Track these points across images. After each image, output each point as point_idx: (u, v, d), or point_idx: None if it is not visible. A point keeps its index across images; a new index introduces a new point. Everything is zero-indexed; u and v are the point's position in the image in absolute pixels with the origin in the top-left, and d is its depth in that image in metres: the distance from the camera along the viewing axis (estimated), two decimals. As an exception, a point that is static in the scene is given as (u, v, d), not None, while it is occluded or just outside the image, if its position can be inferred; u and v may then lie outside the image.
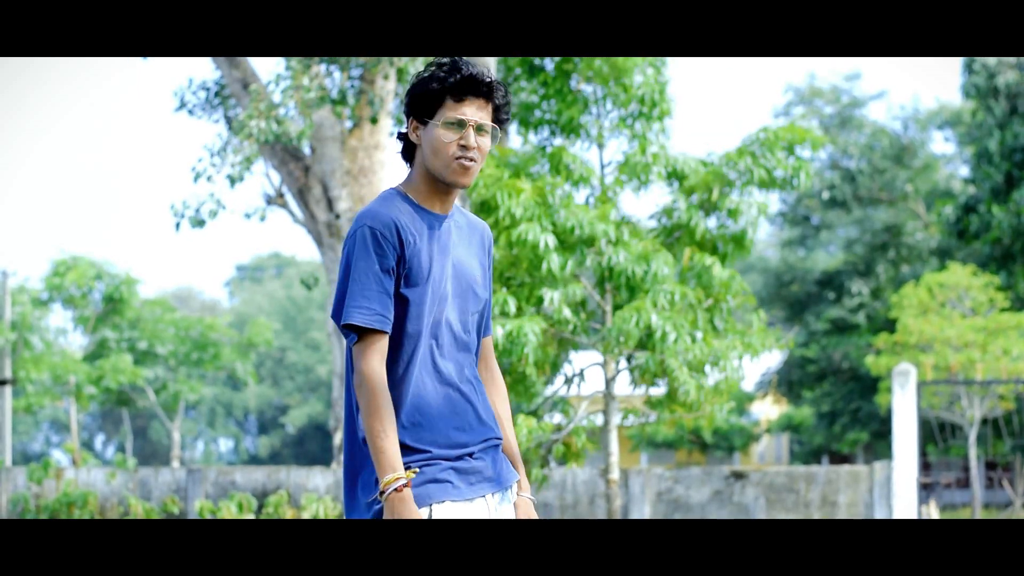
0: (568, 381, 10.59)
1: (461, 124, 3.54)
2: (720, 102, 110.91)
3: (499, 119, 3.62)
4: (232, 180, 14.49)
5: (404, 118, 3.67)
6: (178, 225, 14.65)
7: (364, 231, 3.51)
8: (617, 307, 10.51)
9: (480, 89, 3.56)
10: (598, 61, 10.78)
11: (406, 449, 3.50)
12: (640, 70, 10.86)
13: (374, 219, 3.52)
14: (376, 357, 3.49)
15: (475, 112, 3.56)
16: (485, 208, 9.92)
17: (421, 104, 3.57)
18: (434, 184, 3.60)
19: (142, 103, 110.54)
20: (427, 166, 3.58)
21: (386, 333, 3.52)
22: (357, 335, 3.51)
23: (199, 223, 14.68)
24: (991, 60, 29.79)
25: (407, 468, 3.48)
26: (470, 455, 3.56)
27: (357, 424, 3.57)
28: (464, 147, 3.54)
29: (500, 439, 3.67)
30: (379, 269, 3.51)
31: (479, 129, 3.56)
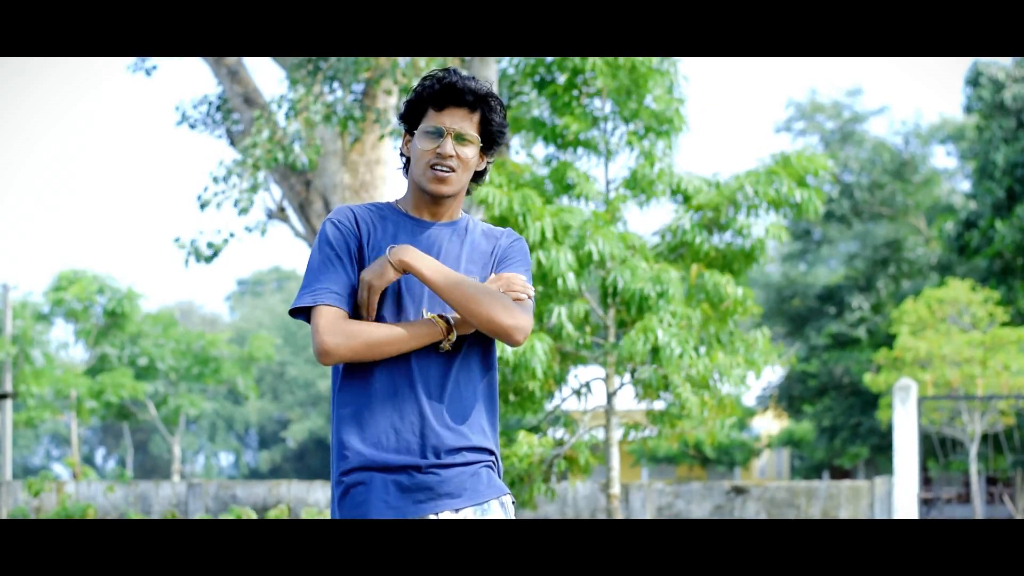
0: (576, 393, 10.63)
1: (439, 133, 3.47)
2: (721, 117, 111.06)
3: (489, 132, 3.53)
4: (241, 210, 14.39)
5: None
6: (187, 262, 14.64)
7: (322, 227, 3.51)
8: (621, 323, 10.53)
9: (461, 98, 3.47)
10: (600, 80, 10.75)
11: (348, 448, 3.40)
12: (657, 83, 10.83)
13: (332, 213, 3.52)
14: (338, 326, 3.38)
15: (455, 121, 3.48)
16: (504, 225, 9.92)
17: (409, 115, 3.53)
18: (420, 194, 3.53)
19: (144, 117, 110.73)
20: (412, 176, 3.53)
21: (340, 309, 3.41)
22: (317, 319, 3.40)
23: (207, 259, 14.64)
24: (999, 74, 29.80)
25: (342, 480, 3.40)
26: (417, 468, 3.38)
27: (331, 428, 3.51)
28: (440, 155, 3.47)
29: (475, 454, 3.45)
30: (334, 252, 3.46)
31: (459, 139, 3.48)
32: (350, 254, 3.47)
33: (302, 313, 3.47)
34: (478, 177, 3.61)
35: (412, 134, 3.55)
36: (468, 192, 3.62)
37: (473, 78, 3.52)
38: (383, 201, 3.61)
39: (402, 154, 3.59)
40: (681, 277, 10.40)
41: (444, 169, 3.48)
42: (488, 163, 3.61)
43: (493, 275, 3.53)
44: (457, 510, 3.39)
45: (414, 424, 3.40)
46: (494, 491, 3.47)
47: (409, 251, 3.42)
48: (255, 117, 15.08)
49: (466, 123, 3.49)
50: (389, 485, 3.37)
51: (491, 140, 3.55)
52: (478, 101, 3.50)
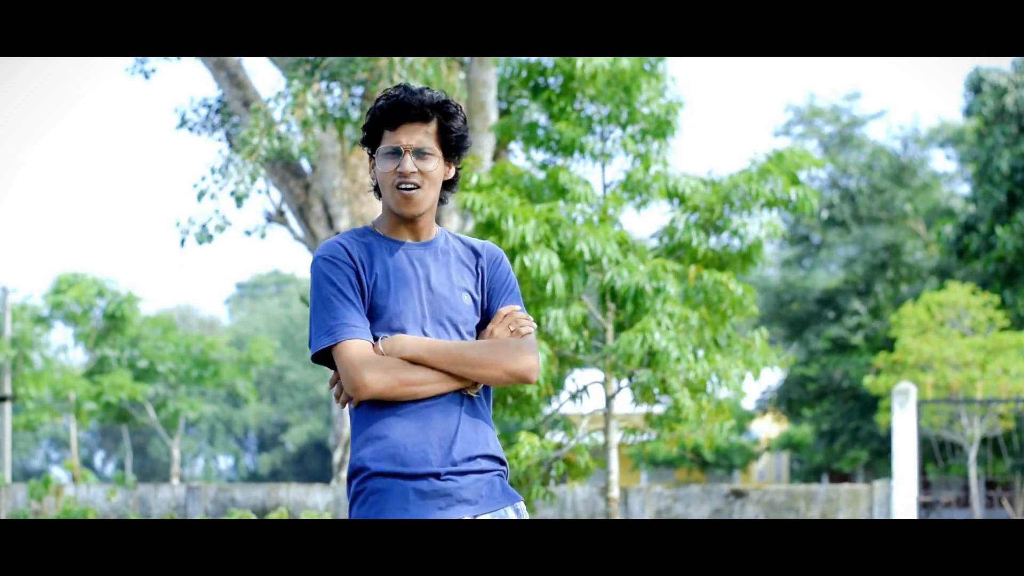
0: (574, 397, 10.63)
1: (396, 152, 3.46)
2: (720, 121, 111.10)
3: (448, 140, 3.50)
4: (238, 198, 14.35)
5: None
6: (183, 241, 14.45)
7: (315, 265, 3.48)
8: (619, 326, 10.52)
9: (413, 113, 3.45)
10: (602, 80, 10.75)
11: (367, 459, 3.41)
12: (652, 87, 10.83)
13: (321, 250, 3.49)
14: (373, 361, 3.39)
15: (411, 137, 3.45)
16: (491, 230, 9.91)
17: (368, 139, 3.52)
18: (394, 216, 3.53)
19: (144, 119, 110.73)
20: (383, 199, 3.53)
21: (366, 341, 3.42)
22: (347, 354, 3.40)
23: (207, 238, 14.48)
24: (1001, 79, 29.78)
25: (362, 488, 3.41)
26: (436, 475, 3.40)
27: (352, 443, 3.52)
28: (401, 174, 3.45)
29: (489, 463, 3.48)
30: (337, 290, 3.44)
31: (418, 154, 3.45)
32: (353, 288, 3.46)
33: (322, 356, 3.46)
34: (450, 186, 3.60)
35: (372, 156, 3.53)
36: (443, 201, 3.61)
37: (425, 89, 3.50)
38: (361, 226, 3.61)
39: (373, 178, 3.57)
40: (679, 275, 10.40)
41: (408, 186, 3.46)
42: (456, 170, 3.59)
43: (500, 309, 3.55)
44: (475, 516, 3.43)
45: (431, 434, 3.42)
46: (508, 498, 3.52)
47: (401, 343, 3.43)
48: (252, 110, 15.07)
49: (422, 136, 3.47)
50: (409, 492, 3.39)
51: (451, 148, 3.52)
52: (431, 112, 3.48)
